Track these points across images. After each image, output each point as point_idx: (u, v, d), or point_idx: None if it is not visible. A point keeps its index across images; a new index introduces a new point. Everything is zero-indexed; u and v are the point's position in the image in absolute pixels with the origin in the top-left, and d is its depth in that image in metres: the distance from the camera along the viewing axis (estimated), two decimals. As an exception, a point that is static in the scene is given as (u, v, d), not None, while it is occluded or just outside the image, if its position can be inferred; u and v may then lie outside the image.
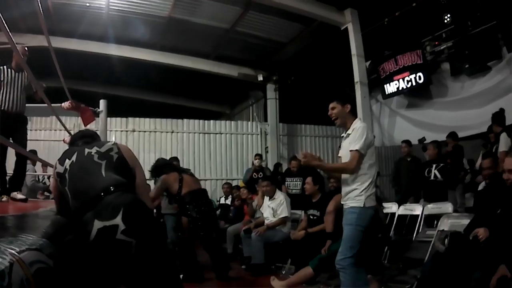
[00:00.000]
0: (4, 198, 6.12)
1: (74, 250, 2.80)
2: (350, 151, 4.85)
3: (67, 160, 3.18)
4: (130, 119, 15.53)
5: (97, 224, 2.66)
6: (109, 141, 3.51)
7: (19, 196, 6.25)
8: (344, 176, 5.01)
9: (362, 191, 4.78)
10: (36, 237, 2.35)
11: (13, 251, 1.88)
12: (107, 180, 3.00)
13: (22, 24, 11.60)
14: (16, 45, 4.20)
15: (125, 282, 3.24)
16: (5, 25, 3.25)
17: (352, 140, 4.89)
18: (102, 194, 2.85)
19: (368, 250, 6.41)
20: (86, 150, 3.25)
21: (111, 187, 2.90)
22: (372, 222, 4.86)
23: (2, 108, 6.27)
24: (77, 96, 7.07)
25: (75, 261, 2.77)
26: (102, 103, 7.13)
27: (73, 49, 13.28)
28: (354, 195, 4.81)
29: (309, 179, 7.97)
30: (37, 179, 11.10)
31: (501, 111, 8.75)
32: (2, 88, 6.32)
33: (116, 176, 3.08)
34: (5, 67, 6.44)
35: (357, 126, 4.99)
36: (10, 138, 6.21)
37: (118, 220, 2.66)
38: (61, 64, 6.16)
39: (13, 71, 6.46)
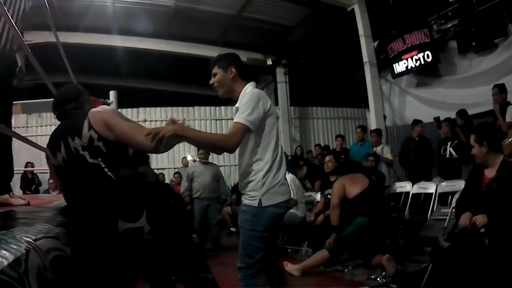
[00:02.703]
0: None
1: (95, 241, 2.81)
2: (233, 123, 3.45)
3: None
4: (141, 109, 15.58)
5: (122, 225, 2.68)
6: None
7: (17, 201, 4.01)
8: (238, 160, 3.73)
9: (257, 183, 3.52)
10: (52, 226, 2.34)
11: (29, 239, 1.88)
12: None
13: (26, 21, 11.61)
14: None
15: (143, 271, 3.27)
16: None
17: (238, 112, 3.50)
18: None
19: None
20: None
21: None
22: (279, 220, 3.70)
23: None
24: (87, 89, 6.96)
25: (94, 251, 2.79)
26: (112, 94, 7.12)
27: (79, 43, 13.32)
28: (248, 189, 3.59)
29: (330, 157, 7.88)
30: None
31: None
32: None
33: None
34: None
35: (245, 93, 3.64)
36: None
37: (143, 221, 2.68)
38: (68, 59, 6.08)
39: None
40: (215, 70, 3.77)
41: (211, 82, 3.81)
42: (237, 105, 3.65)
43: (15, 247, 1.71)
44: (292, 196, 8.40)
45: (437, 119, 10.13)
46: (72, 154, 2.89)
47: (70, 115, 3.16)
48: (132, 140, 2.86)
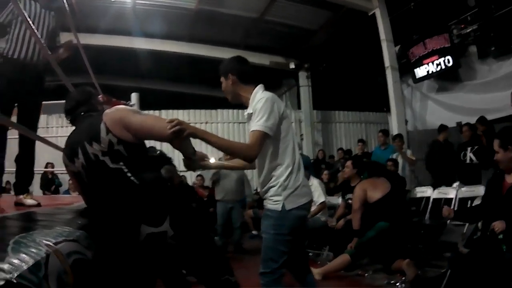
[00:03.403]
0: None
1: (116, 245, 2.79)
2: (251, 132, 3.40)
3: None
4: (163, 111, 15.63)
5: (145, 229, 2.66)
6: None
7: (29, 201, 4.20)
8: (258, 166, 3.65)
9: (279, 188, 3.46)
10: (72, 229, 2.34)
11: (49, 242, 1.87)
12: None
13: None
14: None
15: (163, 276, 3.28)
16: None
17: (254, 119, 3.43)
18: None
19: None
20: None
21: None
22: (303, 222, 3.65)
23: (15, 56, 4.35)
24: (108, 91, 6.97)
25: (116, 255, 2.77)
26: (134, 96, 7.15)
27: (100, 45, 13.40)
28: (270, 194, 3.52)
29: (348, 163, 7.92)
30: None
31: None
32: (18, 27, 4.38)
33: None
34: None
35: (256, 99, 3.52)
36: (15, 106, 4.50)
37: (166, 226, 2.66)
38: (89, 60, 6.08)
39: (38, 5, 4.54)
40: (221, 78, 3.75)
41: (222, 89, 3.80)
42: (248, 110, 3.60)
43: (34, 250, 1.69)
44: (324, 198, 8.45)
45: (459, 124, 10.06)
46: (92, 161, 2.84)
47: (83, 119, 3.13)
48: (150, 129, 2.85)
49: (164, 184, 2.91)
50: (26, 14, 3.89)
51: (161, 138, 2.95)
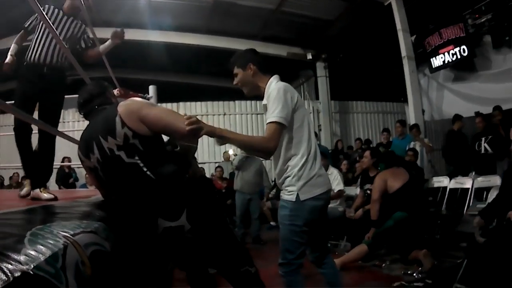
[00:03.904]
0: (23, 191, 4.85)
1: (134, 238, 2.77)
2: (267, 124, 3.38)
3: None
4: (181, 103, 15.70)
5: (162, 223, 2.65)
6: None
7: (45, 195, 4.28)
8: (274, 156, 3.56)
9: (293, 178, 3.47)
10: (90, 220, 2.33)
11: (66, 234, 1.87)
12: None
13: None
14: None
15: (182, 267, 3.28)
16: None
17: (268, 110, 3.43)
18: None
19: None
20: None
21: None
22: (320, 213, 3.58)
23: (36, 60, 4.58)
24: (125, 84, 6.96)
25: (133, 247, 2.75)
26: (151, 89, 7.16)
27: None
28: (286, 185, 3.54)
29: (367, 153, 7.97)
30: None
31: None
32: (41, 33, 4.63)
33: None
34: (53, 6, 4.77)
35: (270, 90, 3.52)
36: (37, 104, 4.66)
37: (183, 220, 2.64)
38: (106, 54, 6.14)
39: (62, 13, 4.77)
40: (235, 70, 3.75)
41: (234, 83, 3.79)
42: (264, 101, 3.59)
43: (52, 242, 1.69)
44: (341, 187, 8.44)
45: (477, 113, 10.01)
46: (107, 156, 2.79)
47: (98, 112, 3.06)
48: (167, 124, 2.78)
49: (182, 178, 2.82)
50: (47, 18, 4.05)
51: (176, 134, 2.85)
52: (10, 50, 4.72)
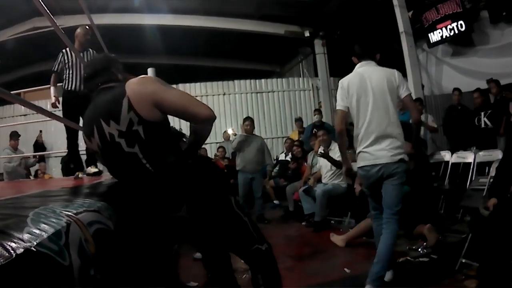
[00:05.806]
0: (80, 175, 6.43)
1: (138, 217, 2.71)
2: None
3: None
4: (181, 85, 15.60)
5: (164, 212, 2.66)
6: None
7: (93, 170, 6.50)
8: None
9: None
10: (93, 200, 2.33)
11: (69, 213, 1.86)
12: None
13: (56, 6, 11.78)
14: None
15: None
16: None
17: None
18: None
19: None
20: None
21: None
22: (368, 181, 4.56)
23: (70, 88, 6.51)
24: (124, 68, 6.96)
25: (137, 227, 2.69)
26: (150, 71, 7.12)
27: (112, 24, 13.44)
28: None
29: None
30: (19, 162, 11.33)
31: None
32: (68, 70, 6.56)
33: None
34: (66, 49, 6.57)
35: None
36: (81, 117, 5.91)
37: (183, 213, 2.62)
38: (104, 40, 6.27)
39: (72, 53, 6.45)
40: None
41: None
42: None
43: (55, 220, 1.69)
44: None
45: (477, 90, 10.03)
46: (107, 142, 2.63)
47: (102, 91, 2.82)
48: (187, 109, 2.60)
49: (183, 170, 2.66)
50: (72, 59, 6.51)
51: (196, 119, 2.68)
52: (51, 92, 6.89)
